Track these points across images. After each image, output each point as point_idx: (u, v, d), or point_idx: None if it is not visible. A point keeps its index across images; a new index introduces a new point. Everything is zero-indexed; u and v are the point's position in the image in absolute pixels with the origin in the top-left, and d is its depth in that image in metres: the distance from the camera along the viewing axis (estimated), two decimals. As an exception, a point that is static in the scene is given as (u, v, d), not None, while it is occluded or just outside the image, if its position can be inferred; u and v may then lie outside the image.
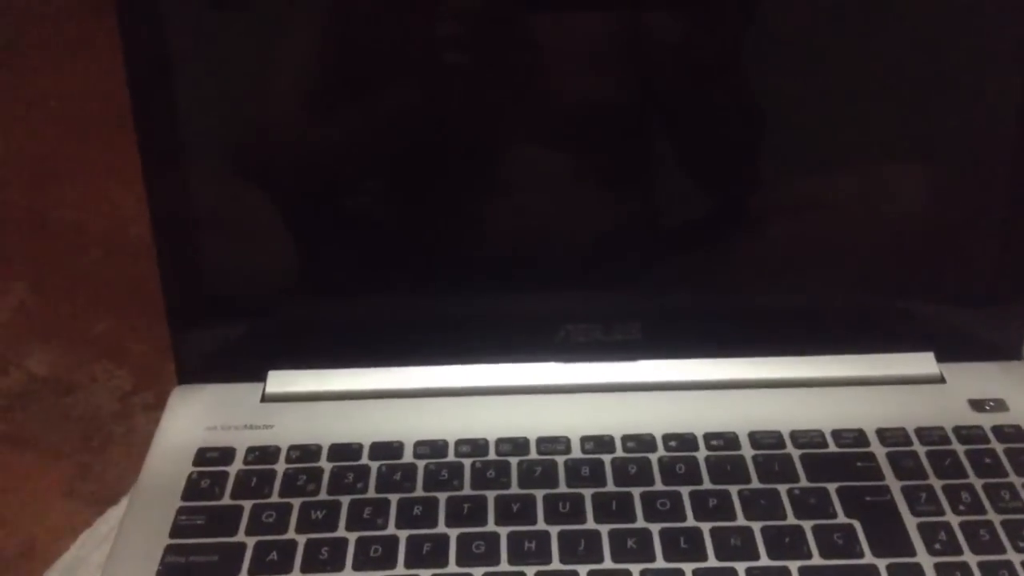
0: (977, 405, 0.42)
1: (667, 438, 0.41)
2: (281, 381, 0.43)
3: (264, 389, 0.43)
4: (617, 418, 0.42)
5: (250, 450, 0.40)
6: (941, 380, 0.43)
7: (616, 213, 0.43)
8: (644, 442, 0.40)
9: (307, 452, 0.40)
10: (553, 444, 0.40)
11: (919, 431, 0.41)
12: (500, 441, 0.41)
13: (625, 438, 0.41)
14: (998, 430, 0.40)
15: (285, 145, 0.42)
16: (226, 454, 0.40)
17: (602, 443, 0.40)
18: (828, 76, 0.41)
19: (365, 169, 0.42)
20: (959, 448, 0.40)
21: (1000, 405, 0.42)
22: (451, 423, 0.42)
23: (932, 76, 0.41)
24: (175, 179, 0.40)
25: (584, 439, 0.41)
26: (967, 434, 0.40)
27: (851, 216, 0.43)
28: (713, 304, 0.44)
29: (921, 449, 0.40)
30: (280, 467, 0.40)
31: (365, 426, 0.41)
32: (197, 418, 0.42)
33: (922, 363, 0.44)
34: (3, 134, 1.04)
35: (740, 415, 0.42)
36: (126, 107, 1.13)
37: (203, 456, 0.40)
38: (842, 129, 0.42)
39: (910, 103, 0.41)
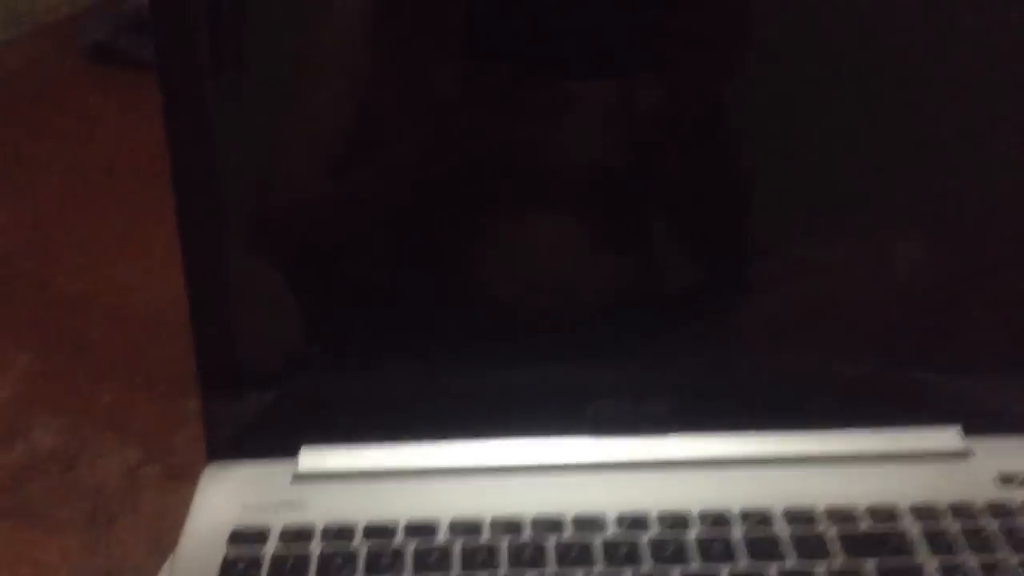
0: (1007, 479, 0.42)
1: (703, 516, 0.41)
2: (314, 458, 0.43)
3: (297, 466, 0.43)
4: (651, 495, 0.42)
5: (284, 530, 0.40)
6: (969, 454, 0.44)
7: (642, 287, 0.44)
8: (679, 520, 0.40)
9: (342, 532, 0.40)
10: (588, 523, 0.40)
11: (952, 507, 0.41)
12: (535, 521, 0.41)
13: (660, 516, 0.41)
14: (1028, 504, 0.41)
15: (318, 222, 0.42)
16: (261, 534, 0.40)
17: (637, 521, 0.40)
18: (848, 142, 0.42)
19: (397, 244, 0.43)
20: (991, 524, 0.40)
21: (1029, 480, 0.42)
22: (485, 501, 0.42)
23: (950, 139, 0.42)
24: (213, 256, 0.41)
25: (619, 518, 0.41)
26: (998, 509, 0.41)
27: (875, 288, 0.44)
28: (742, 378, 0.45)
29: (954, 526, 0.40)
30: (315, 548, 0.39)
31: (399, 504, 0.41)
32: (230, 497, 0.42)
33: (949, 437, 0.44)
34: (7, 204, 1.04)
35: (772, 491, 0.42)
36: (131, 179, 1.14)
37: (238, 536, 0.40)
38: (864, 198, 0.43)
39: (932, 171, 0.43)
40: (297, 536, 0.40)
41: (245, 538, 0.39)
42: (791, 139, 0.42)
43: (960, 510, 0.41)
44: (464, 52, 0.40)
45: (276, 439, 0.44)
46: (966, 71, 0.41)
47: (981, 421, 0.44)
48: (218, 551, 0.39)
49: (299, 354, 0.44)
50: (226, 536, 0.40)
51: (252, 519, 0.40)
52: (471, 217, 0.42)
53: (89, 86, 1.27)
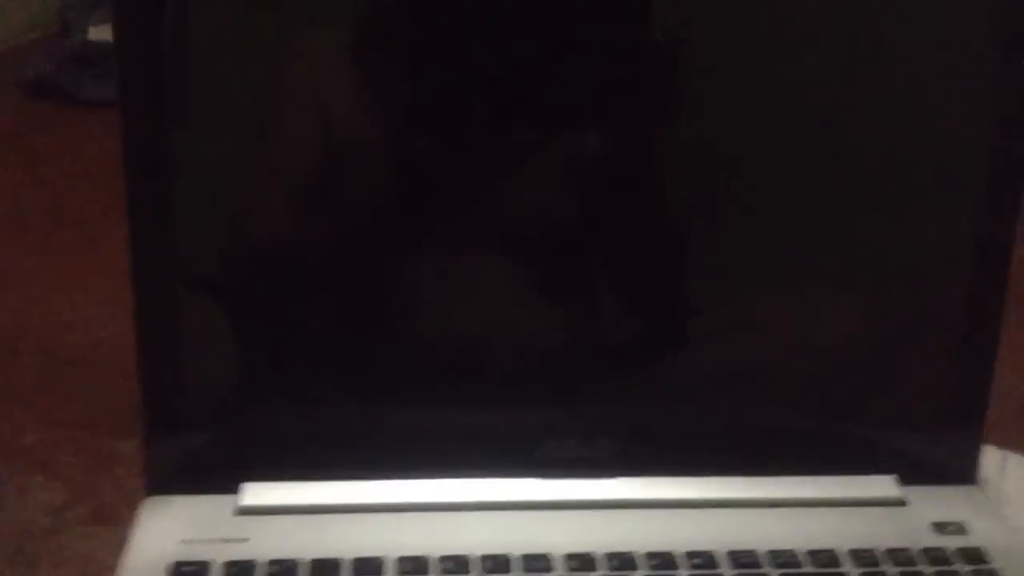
0: (940, 528, 0.44)
1: (649, 555, 0.41)
2: (256, 493, 0.42)
3: (238, 501, 0.42)
4: (598, 535, 0.42)
5: (228, 564, 0.39)
6: (904, 503, 0.45)
7: (587, 334, 0.45)
8: (626, 560, 0.41)
9: (286, 568, 0.39)
10: (537, 561, 0.40)
11: (889, 552, 0.42)
12: (484, 558, 0.40)
13: (608, 555, 0.41)
14: (962, 552, 0.42)
15: (265, 263, 0.42)
16: (202, 568, 0.39)
17: (585, 561, 0.41)
18: (781, 206, 0.44)
19: (342, 286, 0.43)
20: (927, 570, 0.41)
21: (960, 528, 0.44)
22: (432, 539, 0.41)
23: (880, 202, 0.44)
24: (161, 294, 0.41)
25: (567, 556, 0.41)
26: (934, 556, 0.42)
27: (810, 344, 0.46)
28: (686, 424, 0.45)
29: (893, 570, 0.41)
30: (259, 582, 0.38)
31: (344, 540, 0.41)
32: (170, 530, 0.41)
33: (885, 486, 0.45)
34: (-64, 235, 1.01)
35: (716, 533, 0.42)
36: (66, 218, 1.12)
37: (179, 570, 0.39)
38: (798, 260, 0.45)
39: (861, 229, 0.44)
40: (241, 570, 0.39)
41: (186, 571, 0.39)
42: (727, 201, 0.44)
43: (898, 555, 0.42)
44: (416, 103, 0.41)
45: (217, 474, 0.43)
46: (897, 137, 0.43)
47: (915, 471, 0.46)
48: (157, 585, 0.38)
49: (243, 391, 0.44)
50: (166, 570, 0.39)
51: (193, 552, 0.40)
52: (417, 260, 0.43)
53: (27, 122, 1.25)
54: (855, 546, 0.42)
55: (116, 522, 0.73)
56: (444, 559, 0.40)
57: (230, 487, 0.43)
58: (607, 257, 0.44)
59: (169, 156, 0.40)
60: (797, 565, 0.41)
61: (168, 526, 0.41)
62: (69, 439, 0.80)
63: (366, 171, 0.42)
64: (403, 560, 0.40)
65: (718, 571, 0.41)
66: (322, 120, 0.41)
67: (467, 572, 0.40)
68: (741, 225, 0.44)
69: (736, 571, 0.41)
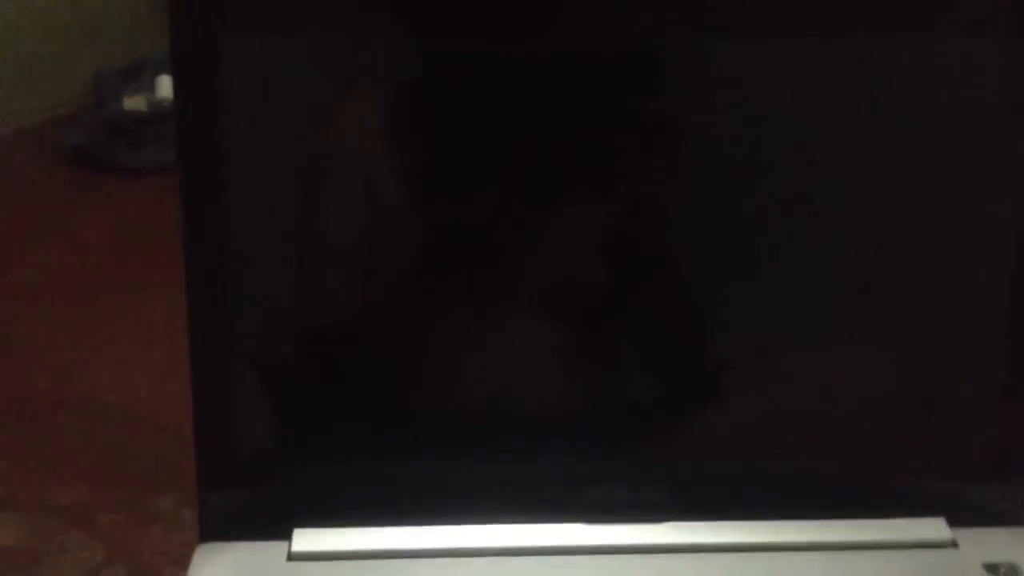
0: (992, 569, 0.43)
1: (700, 600, 0.41)
2: (307, 540, 0.43)
3: (290, 548, 0.42)
4: (648, 579, 0.42)
5: (280, 610, 0.39)
6: (954, 545, 0.44)
7: (626, 385, 0.45)
8: (678, 604, 0.41)
9: (339, 612, 0.39)
10: (589, 605, 0.40)
11: (942, 595, 0.41)
12: (535, 604, 0.40)
13: (659, 600, 0.41)
14: (1015, 593, 0.42)
15: (308, 330, 0.44)
16: (255, 615, 0.39)
17: (637, 606, 0.40)
18: (818, 261, 0.45)
19: (386, 346, 0.44)
20: (983, 610, 0.41)
21: (1013, 570, 0.43)
22: (482, 584, 0.41)
23: (920, 247, 0.44)
24: (216, 350, 0.41)
25: (619, 600, 0.41)
26: (988, 597, 0.41)
27: (855, 388, 0.46)
28: (734, 468, 0.45)
29: (947, 611, 0.40)
30: (311, 629, 0.39)
31: (396, 586, 0.41)
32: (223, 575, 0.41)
33: (936, 528, 0.45)
34: (-23, 301, 1.03)
35: (771, 576, 0.42)
36: (103, 281, 1.14)
37: (232, 616, 0.39)
38: (839, 312, 0.45)
39: (901, 276, 0.45)
40: (293, 618, 0.39)
41: (239, 619, 0.39)
42: (761, 259, 0.44)
43: (951, 597, 0.41)
44: (450, 179, 0.43)
45: (269, 521, 0.43)
46: (922, 188, 0.44)
47: (964, 514, 0.45)
48: (211, 632, 0.38)
49: (295, 440, 0.44)
50: (221, 615, 0.39)
51: (245, 600, 0.40)
52: (460, 322, 0.44)
53: (65, 189, 1.28)
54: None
55: (156, 580, 0.73)
56: (496, 605, 0.40)
57: (282, 533, 0.43)
58: (640, 317, 0.45)
59: (224, 230, 0.41)
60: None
61: (222, 572, 0.41)
62: (108, 497, 0.80)
63: (405, 244, 0.43)
64: (455, 604, 0.40)
65: (773, 615, 0.40)
66: (363, 196, 0.43)
67: (520, 616, 0.40)
68: (773, 282, 0.44)
69: (792, 614, 0.40)
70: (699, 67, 0.42)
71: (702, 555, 0.44)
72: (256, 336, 0.43)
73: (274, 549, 0.42)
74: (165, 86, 1.33)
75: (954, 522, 0.45)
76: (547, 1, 0.41)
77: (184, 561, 0.75)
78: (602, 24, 0.41)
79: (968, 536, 0.45)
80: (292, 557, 0.42)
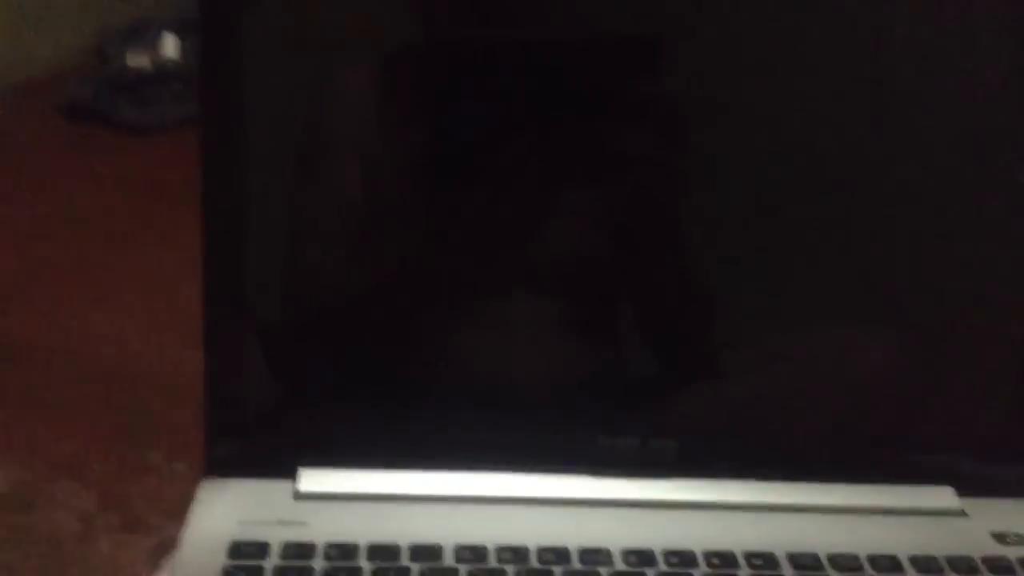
0: (1000, 538, 0.43)
1: (708, 554, 0.40)
2: (313, 479, 0.42)
3: (296, 486, 0.42)
4: (655, 533, 0.42)
5: (286, 546, 0.39)
6: (963, 514, 0.44)
7: (650, 332, 0.45)
8: (686, 557, 0.40)
9: (345, 550, 0.39)
10: (595, 555, 0.40)
11: (950, 560, 0.41)
12: (542, 549, 0.40)
13: (667, 552, 0.40)
14: (1022, 561, 0.41)
15: (330, 282, 0.44)
16: (261, 548, 0.39)
17: (644, 556, 0.40)
18: (836, 224, 0.44)
19: (404, 283, 0.44)
20: (990, 577, 0.41)
21: (1021, 539, 0.43)
22: (488, 529, 0.41)
23: (943, 221, 0.44)
24: (228, 287, 0.41)
25: (626, 552, 0.40)
26: (995, 564, 0.41)
27: (869, 358, 0.46)
28: (747, 427, 0.45)
29: (954, 577, 0.40)
30: (318, 564, 0.38)
31: (401, 527, 0.40)
32: (228, 511, 0.40)
33: (944, 497, 0.45)
34: (-27, 250, 1.02)
35: (775, 536, 0.42)
36: (100, 236, 1.13)
37: (237, 549, 0.38)
38: (858, 277, 0.45)
39: (913, 249, 0.45)
40: (299, 552, 0.39)
41: (245, 551, 0.38)
42: (769, 235, 0.44)
43: (959, 563, 0.41)
44: (456, 158, 0.42)
45: (274, 460, 0.43)
46: (942, 156, 0.44)
47: (973, 484, 0.45)
48: (217, 562, 0.38)
49: (302, 378, 0.44)
50: (225, 548, 0.38)
51: (252, 533, 0.39)
52: (476, 280, 0.44)
53: (63, 144, 1.26)
54: (915, 553, 0.41)
55: (146, 531, 0.72)
56: (502, 549, 0.40)
57: (286, 472, 0.42)
58: (651, 290, 0.45)
59: (246, 174, 0.41)
60: (859, 569, 0.41)
61: (226, 507, 0.41)
62: (101, 448, 0.79)
63: (413, 214, 0.43)
64: (461, 548, 0.40)
65: (779, 572, 0.40)
66: (366, 170, 0.42)
67: (525, 562, 0.39)
68: (791, 252, 0.44)
69: (797, 572, 0.40)
70: (702, 49, 0.41)
71: (708, 512, 0.43)
72: (267, 282, 0.43)
73: (279, 487, 0.42)
74: (169, 45, 1.32)
75: (963, 492, 0.45)
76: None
77: (176, 512, 0.74)
78: (610, 8, 0.41)
79: (977, 506, 0.45)
80: (298, 496, 0.41)
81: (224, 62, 0.39)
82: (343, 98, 0.42)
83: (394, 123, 0.42)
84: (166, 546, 0.69)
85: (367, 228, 0.43)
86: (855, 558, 0.41)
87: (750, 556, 0.41)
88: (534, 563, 0.39)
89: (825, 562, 0.41)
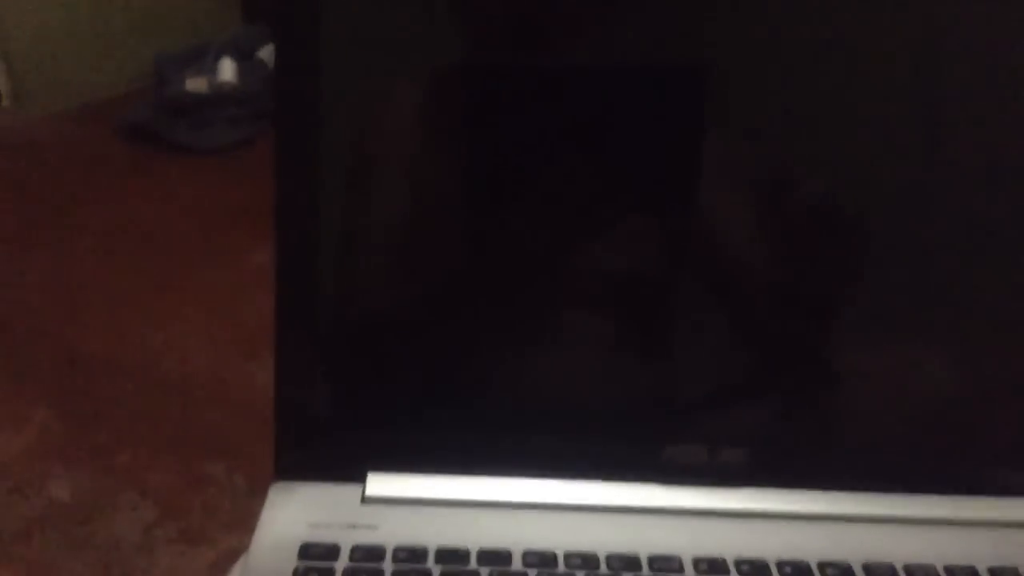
0: (1083, 552, 0.42)
1: (780, 564, 0.40)
2: (381, 484, 0.42)
3: (364, 491, 0.42)
4: (725, 542, 0.41)
5: (355, 548, 0.39)
6: (1046, 526, 0.43)
7: (725, 339, 0.44)
8: (759, 566, 0.40)
9: (414, 553, 0.39)
10: (666, 562, 0.39)
11: (1032, 572, 0.40)
12: (611, 556, 0.40)
13: (739, 561, 0.40)
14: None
15: (392, 281, 0.44)
16: (331, 551, 0.39)
17: (716, 565, 0.39)
18: (919, 241, 0.43)
19: (474, 293, 0.44)
20: (1076, 591, 0.39)
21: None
22: (556, 536, 0.41)
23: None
24: (300, 296, 0.41)
25: (697, 560, 0.40)
26: (1082, 578, 0.40)
27: (955, 369, 0.45)
28: (819, 437, 0.44)
29: (1038, 590, 0.39)
30: (387, 566, 0.38)
31: (469, 532, 0.40)
32: (297, 514, 0.40)
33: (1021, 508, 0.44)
34: (41, 265, 1.05)
35: (850, 547, 0.41)
36: (161, 253, 1.15)
37: (308, 551, 0.38)
38: (928, 290, 0.44)
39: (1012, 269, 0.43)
40: (368, 554, 0.39)
41: (315, 553, 0.38)
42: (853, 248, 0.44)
43: (1042, 576, 0.40)
44: (514, 178, 0.42)
45: (343, 464, 0.43)
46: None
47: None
48: (288, 564, 0.38)
49: (371, 382, 0.44)
50: (295, 550, 0.38)
51: (322, 536, 0.39)
52: (533, 273, 0.43)
53: (125, 165, 1.29)
54: (995, 564, 0.40)
55: (206, 543, 0.73)
56: (570, 555, 0.39)
57: (354, 477, 0.42)
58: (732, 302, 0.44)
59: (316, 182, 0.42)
60: (938, 581, 0.40)
61: (296, 511, 0.41)
62: (160, 460, 0.80)
63: (485, 231, 0.43)
64: (529, 553, 0.39)
65: (855, 582, 0.39)
66: (433, 185, 0.43)
67: (595, 569, 0.39)
68: (880, 266, 0.44)
69: (873, 583, 0.39)
70: (754, 71, 0.41)
71: (779, 522, 0.43)
72: (337, 291, 0.43)
73: (348, 491, 0.42)
74: (227, 69, 1.34)
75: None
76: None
77: (235, 524, 0.74)
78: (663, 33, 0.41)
79: (1057, 518, 0.43)
80: (366, 500, 0.42)
81: (297, 80, 0.40)
82: (410, 116, 0.42)
83: (461, 141, 0.43)
84: (226, 558, 0.69)
85: (436, 239, 0.43)
86: (932, 569, 0.40)
87: (824, 566, 0.40)
88: (603, 570, 0.39)
89: (901, 572, 0.40)
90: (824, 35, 0.40)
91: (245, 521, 0.68)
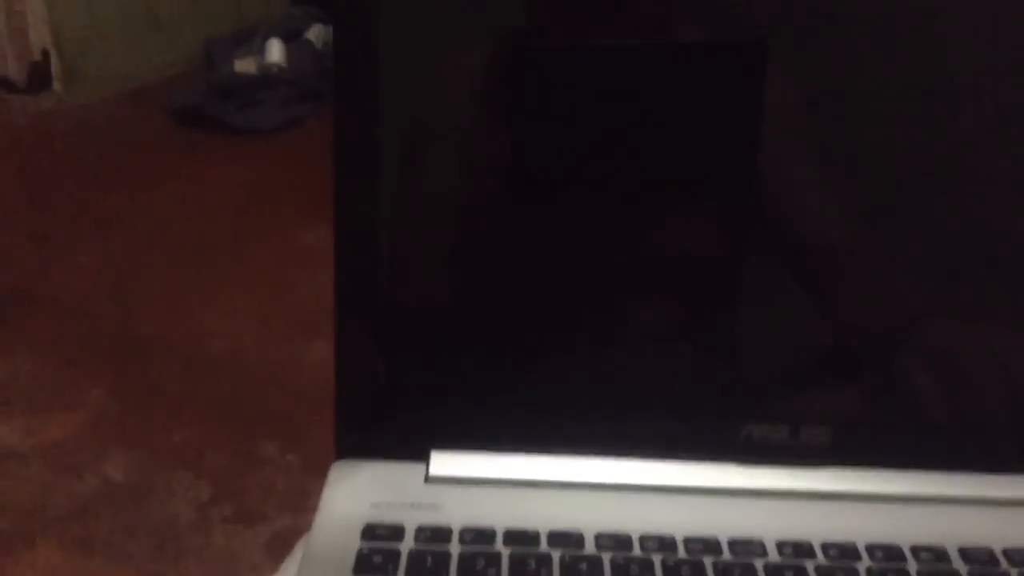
0: None
1: (871, 547, 0.37)
2: (446, 462, 0.41)
3: (428, 470, 0.40)
4: (809, 524, 0.39)
5: (420, 529, 0.37)
6: None
7: (808, 313, 0.42)
8: (847, 550, 0.37)
9: (481, 535, 0.37)
10: (747, 546, 0.37)
11: None
12: (689, 539, 0.37)
13: (825, 545, 0.37)
14: None
15: (454, 259, 0.42)
16: (395, 531, 0.37)
17: (801, 549, 0.37)
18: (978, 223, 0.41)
19: (543, 271, 0.42)
20: None
21: None
22: (630, 518, 0.39)
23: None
24: (361, 274, 0.40)
25: (780, 543, 0.37)
26: None
27: None
28: (906, 415, 0.42)
29: None
30: (454, 548, 0.36)
31: (538, 513, 0.38)
32: (360, 494, 0.39)
33: None
34: (92, 250, 1.05)
35: (943, 529, 0.39)
36: (211, 234, 1.15)
37: (372, 532, 0.37)
38: (1007, 269, 0.41)
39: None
40: (434, 535, 0.37)
41: (380, 534, 0.37)
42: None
43: None
44: (569, 168, 0.41)
45: (405, 442, 0.41)
46: None
47: None
48: (352, 544, 0.36)
49: (434, 360, 0.42)
50: (359, 530, 0.37)
51: (385, 516, 0.38)
52: (601, 253, 0.41)
53: (175, 147, 1.29)
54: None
55: (261, 521, 0.72)
56: (646, 537, 0.37)
57: (417, 456, 0.41)
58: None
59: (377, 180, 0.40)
60: (1039, 565, 0.37)
61: (358, 490, 0.39)
62: (214, 440, 0.80)
63: (551, 209, 0.41)
64: (602, 536, 0.37)
65: (951, 566, 0.37)
66: (492, 164, 0.41)
67: (673, 552, 0.37)
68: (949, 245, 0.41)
69: (969, 567, 0.37)
70: (812, 51, 0.39)
71: (865, 503, 0.40)
72: (398, 268, 0.41)
73: (410, 470, 0.40)
74: (275, 51, 1.34)
75: None
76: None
77: (289, 503, 0.74)
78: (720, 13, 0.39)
79: None
80: (430, 479, 0.40)
81: (355, 61, 0.39)
82: (469, 94, 0.41)
83: (520, 120, 0.41)
84: (281, 537, 0.68)
85: (498, 217, 0.42)
86: (1033, 553, 0.37)
87: (918, 550, 0.37)
88: (681, 554, 0.37)
89: (1000, 557, 0.37)
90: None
91: (300, 500, 0.67)
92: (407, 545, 0.36)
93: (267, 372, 0.81)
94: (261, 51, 1.31)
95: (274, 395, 0.79)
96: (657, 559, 0.36)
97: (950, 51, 0.39)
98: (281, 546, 0.62)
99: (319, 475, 0.41)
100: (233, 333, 0.86)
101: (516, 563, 0.36)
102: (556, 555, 0.36)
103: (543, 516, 0.38)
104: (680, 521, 0.39)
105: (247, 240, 0.99)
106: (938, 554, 0.37)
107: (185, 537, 0.65)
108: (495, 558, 0.36)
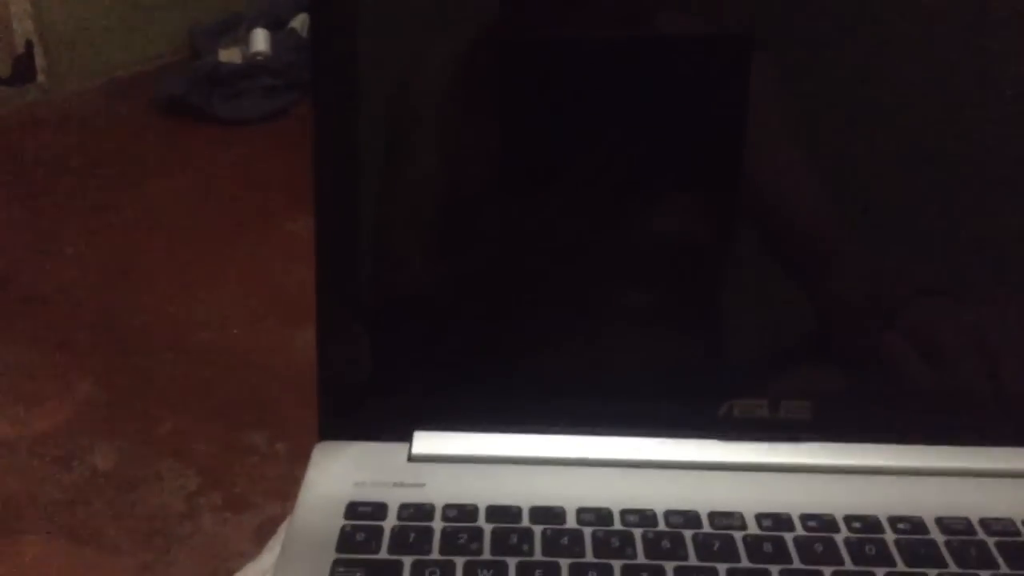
0: None
1: (848, 519, 0.38)
2: (428, 442, 0.41)
3: (411, 449, 0.41)
4: (788, 497, 0.39)
5: (403, 506, 0.37)
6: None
7: (788, 291, 0.42)
8: (825, 522, 0.38)
9: (464, 512, 0.37)
10: (727, 519, 0.38)
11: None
12: (669, 513, 0.38)
13: (804, 517, 0.38)
14: None
15: (437, 238, 0.42)
16: (378, 509, 0.37)
17: (780, 521, 0.38)
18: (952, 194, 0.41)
19: (524, 249, 0.42)
20: None
21: None
22: (611, 493, 0.39)
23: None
24: (340, 250, 0.40)
25: (760, 516, 0.38)
26: None
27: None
28: (886, 388, 0.42)
29: None
30: (437, 525, 0.37)
31: (520, 490, 0.39)
32: (343, 473, 0.39)
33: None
34: (80, 240, 1.05)
35: (921, 501, 0.39)
36: (197, 224, 1.15)
37: (355, 510, 0.37)
38: (995, 241, 0.42)
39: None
40: (417, 513, 0.37)
41: (363, 512, 0.37)
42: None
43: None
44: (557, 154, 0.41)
45: (388, 422, 0.42)
46: None
47: None
48: (335, 522, 0.37)
49: (416, 343, 0.42)
50: (342, 508, 0.37)
51: (368, 494, 0.38)
52: (589, 235, 0.42)
53: (161, 137, 1.29)
54: (1076, 518, 0.38)
55: (248, 509, 0.72)
56: (627, 512, 0.38)
57: (400, 435, 0.41)
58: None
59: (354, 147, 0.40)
60: (1016, 534, 0.37)
61: (341, 469, 0.40)
62: (202, 429, 0.80)
63: (538, 184, 0.42)
64: (583, 511, 0.38)
65: (928, 536, 0.37)
66: (474, 151, 0.41)
67: (653, 525, 0.37)
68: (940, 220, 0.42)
69: (948, 536, 0.37)
70: (800, 43, 0.39)
71: (845, 476, 0.41)
72: (379, 248, 0.42)
73: (393, 450, 0.41)
74: (259, 40, 1.33)
75: None
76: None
77: (277, 491, 0.74)
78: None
79: None
80: (413, 458, 0.40)
81: (334, 50, 0.39)
82: (449, 84, 0.41)
83: (501, 110, 0.41)
84: (270, 525, 0.69)
85: (480, 200, 0.42)
86: (1010, 523, 0.38)
87: (895, 521, 0.38)
88: (662, 526, 0.37)
89: (977, 527, 0.38)
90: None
91: (288, 488, 0.67)
92: (390, 522, 0.37)
93: (255, 360, 0.81)
94: (246, 40, 1.31)
95: (262, 384, 0.79)
96: (638, 533, 0.37)
97: (934, 40, 0.40)
98: (269, 533, 0.62)
99: (307, 463, 0.42)
100: (221, 322, 0.86)
101: (498, 538, 0.36)
102: (538, 530, 0.37)
103: (525, 492, 0.39)
104: (661, 496, 0.39)
105: (234, 230, 0.99)
106: (915, 524, 0.38)
107: (174, 526, 0.65)
108: (477, 533, 0.36)
